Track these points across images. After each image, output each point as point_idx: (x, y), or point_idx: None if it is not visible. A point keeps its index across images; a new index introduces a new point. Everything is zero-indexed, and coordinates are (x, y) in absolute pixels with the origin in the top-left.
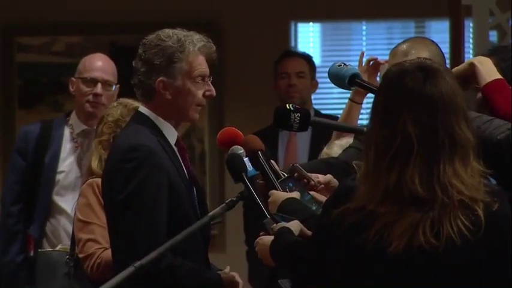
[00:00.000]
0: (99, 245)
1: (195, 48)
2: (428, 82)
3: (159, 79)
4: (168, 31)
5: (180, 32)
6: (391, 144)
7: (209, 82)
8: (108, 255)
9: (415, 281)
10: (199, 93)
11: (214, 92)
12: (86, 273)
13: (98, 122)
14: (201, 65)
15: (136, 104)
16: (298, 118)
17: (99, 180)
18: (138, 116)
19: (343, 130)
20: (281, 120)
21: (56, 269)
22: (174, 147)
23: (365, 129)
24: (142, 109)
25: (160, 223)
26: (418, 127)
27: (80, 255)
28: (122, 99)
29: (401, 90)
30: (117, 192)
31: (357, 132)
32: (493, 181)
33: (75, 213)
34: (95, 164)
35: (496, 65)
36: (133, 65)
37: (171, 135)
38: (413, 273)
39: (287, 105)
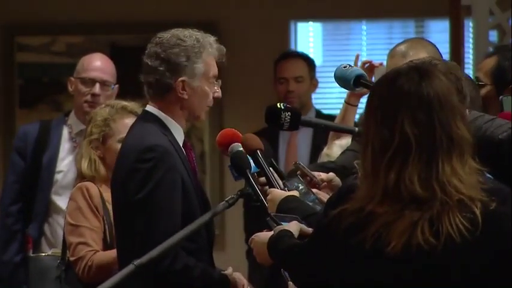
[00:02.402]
0: (90, 247)
1: (212, 49)
2: (424, 82)
3: (181, 79)
4: (183, 31)
5: (195, 32)
6: (389, 144)
7: (217, 84)
8: (98, 258)
9: (414, 280)
10: (211, 94)
11: (220, 94)
12: (77, 276)
13: (87, 123)
14: (215, 66)
15: (123, 103)
16: (289, 117)
17: (88, 183)
18: (146, 114)
19: (335, 130)
20: (272, 119)
21: (47, 274)
22: (181, 147)
23: (357, 129)
24: (151, 108)
25: (176, 223)
26: (415, 127)
27: (71, 259)
28: (108, 101)
29: (397, 90)
30: (133, 193)
31: (349, 132)
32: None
33: (65, 217)
34: (84, 166)
35: (499, 63)
36: (149, 63)
37: (179, 135)
38: (412, 272)
39: (278, 104)
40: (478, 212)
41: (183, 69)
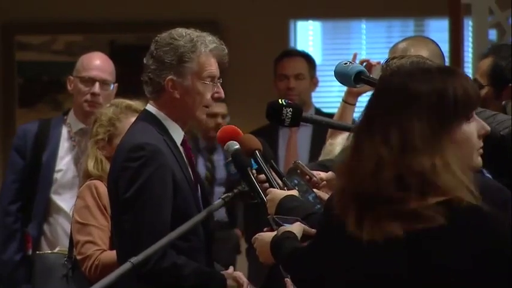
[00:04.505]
0: (97, 246)
1: (206, 50)
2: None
3: (169, 77)
4: (181, 30)
5: (193, 32)
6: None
7: (218, 84)
8: (106, 257)
9: (395, 272)
10: (208, 94)
11: (222, 94)
12: (84, 274)
13: (92, 123)
14: (211, 66)
15: (127, 102)
16: (290, 113)
17: (97, 182)
18: (145, 114)
19: (336, 127)
20: (273, 115)
21: (53, 271)
22: (180, 147)
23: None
24: (150, 108)
25: (165, 222)
26: (415, 125)
27: (78, 257)
28: (113, 100)
29: (399, 89)
30: (122, 191)
31: (349, 130)
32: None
33: (73, 215)
34: (91, 166)
35: (495, 63)
36: (144, 61)
37: (178, 135)
38: (394, 264)
39: (279, 100)
40: (460, 210)
41: (171, 68)
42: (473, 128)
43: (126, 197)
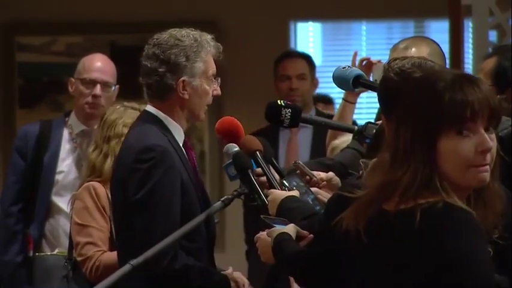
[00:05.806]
0: (98, 247)
1: (210, 48)
2: None
3: (181, 79)
4: (179, 30)
5: (193, 31)
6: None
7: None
8: (106, 258)
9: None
10: (211, 92)
11: (220, 91)
12: (84, 275)
13: (109, 125)
14: (213, 64)
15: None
16: (289, 114)
17: (95, 183)
18: (146, 115)
19: (335, 128)
20: (272, 116)
21: (53, 273)
22: (181, 147)
23: (356, 128)
24: (150, 108)
25: (175, 223)
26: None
27: (78, 258)
28: (129, 103)
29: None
30: (132, 193)
31: (348, 131)
32: None
33: (71, 217)
34: (108, 164)
35: (499, 63)
36: (148, 65)
37: (179, 135)
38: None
39: (278, 100)
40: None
41: (183, 69)
42: (467, 143)
43: (136, 198)
